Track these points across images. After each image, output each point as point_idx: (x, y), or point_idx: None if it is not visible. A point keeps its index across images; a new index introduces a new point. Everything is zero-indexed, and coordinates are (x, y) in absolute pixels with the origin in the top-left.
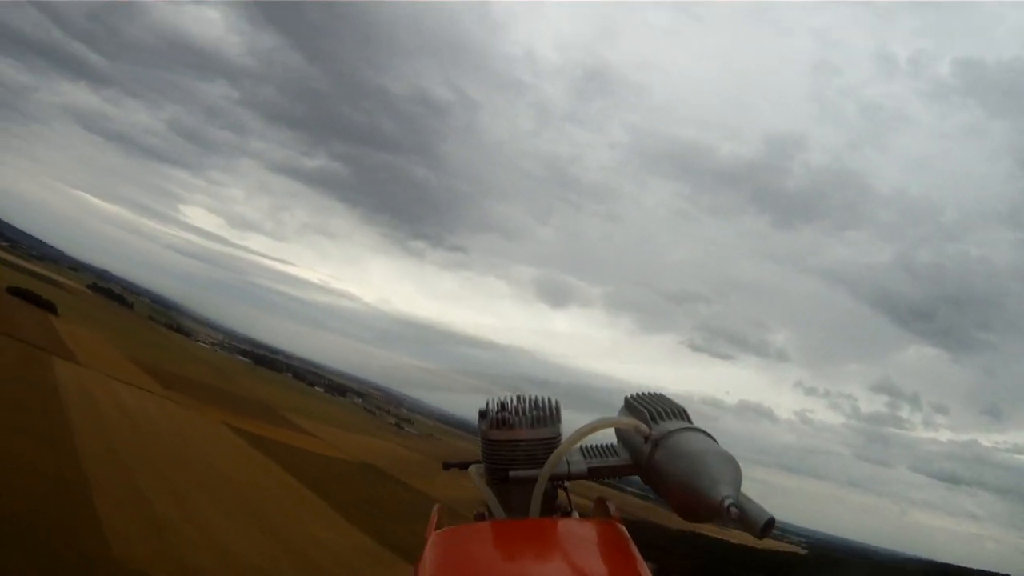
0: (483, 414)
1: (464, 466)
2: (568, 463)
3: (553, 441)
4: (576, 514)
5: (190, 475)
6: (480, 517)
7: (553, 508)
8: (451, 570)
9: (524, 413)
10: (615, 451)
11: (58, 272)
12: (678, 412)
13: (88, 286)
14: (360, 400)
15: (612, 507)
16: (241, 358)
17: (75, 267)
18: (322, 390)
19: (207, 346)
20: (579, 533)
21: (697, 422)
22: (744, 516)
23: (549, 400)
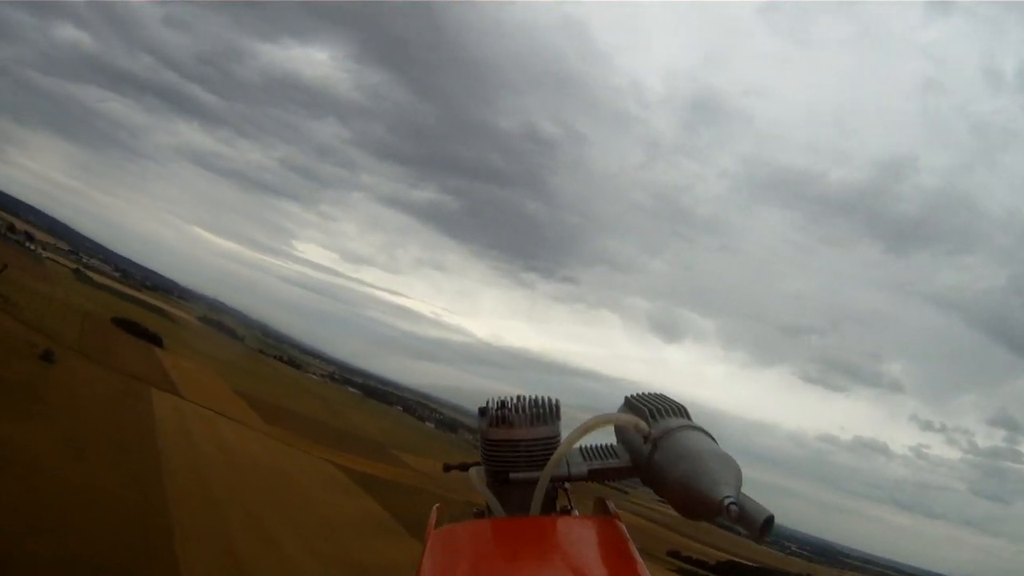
0: (483, 412)
1: (464, 468)
2: (568, 465)
3: (552, 440)
4: (576, 512)
5: (285, 518)
6: (479, 516)
7: (553, 510)
8: (450, 568)
9: (524, 411)
10: (615, 452)
11: (168, 302)
12: (678, 410)
13: (199, 318)
14: (471, 436)
15: (611, 506)
16: (351, 390)
17: (186, 297)
18: (432, 426)
19: (317, 378)
20: (578, 531)
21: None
22: (744, 515)
23: (549, 399)
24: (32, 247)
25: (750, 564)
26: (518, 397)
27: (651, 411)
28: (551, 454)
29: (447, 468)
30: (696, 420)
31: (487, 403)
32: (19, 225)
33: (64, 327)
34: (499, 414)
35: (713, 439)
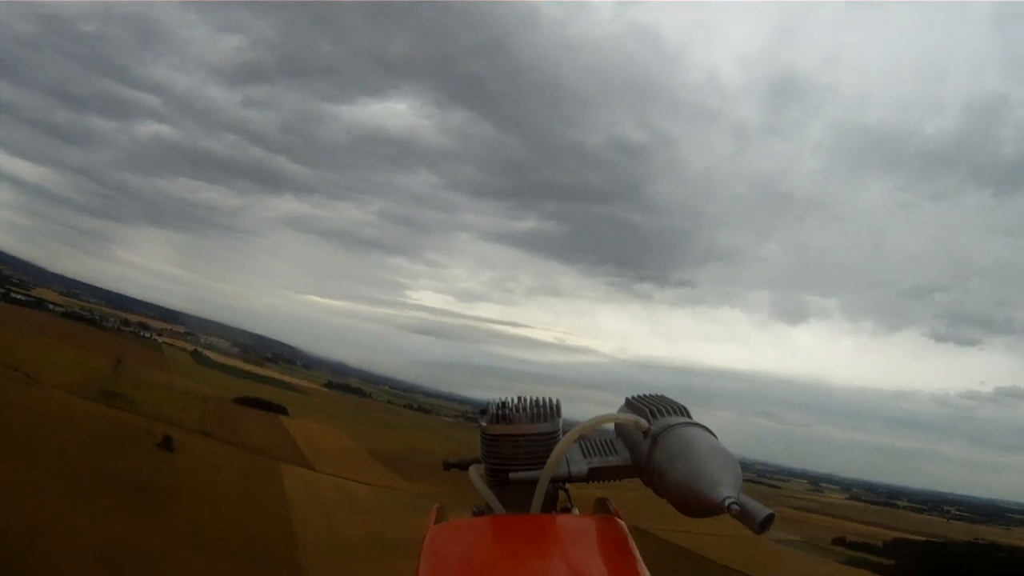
0: (483, 411)
1: (464, 466)
2: (568, 463)
3: (552, 436)
4: (576, 511)
5: None
6: (479, 514)
7: (554, 509)
8: (448, 566)
9: (524, 410)
10: (615, 449)
11: (292, 373)
12: (678, 409)
13: (324, 384)
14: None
15: (612, 505)
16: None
17: (310, 365)
18: None
19: (450, 419)
20: (578, 529)
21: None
22: (744, 513)
23: (549, 399)
24: (147, 335)
25: (917, 538)
26: (519, 398)
27: (651, 411)
28: (551, 450)
29: (447, 466)
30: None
31: (488, 404)
32: (132, 318)
33: (185, 413)
34: (500, 413)
35: (714, 435)
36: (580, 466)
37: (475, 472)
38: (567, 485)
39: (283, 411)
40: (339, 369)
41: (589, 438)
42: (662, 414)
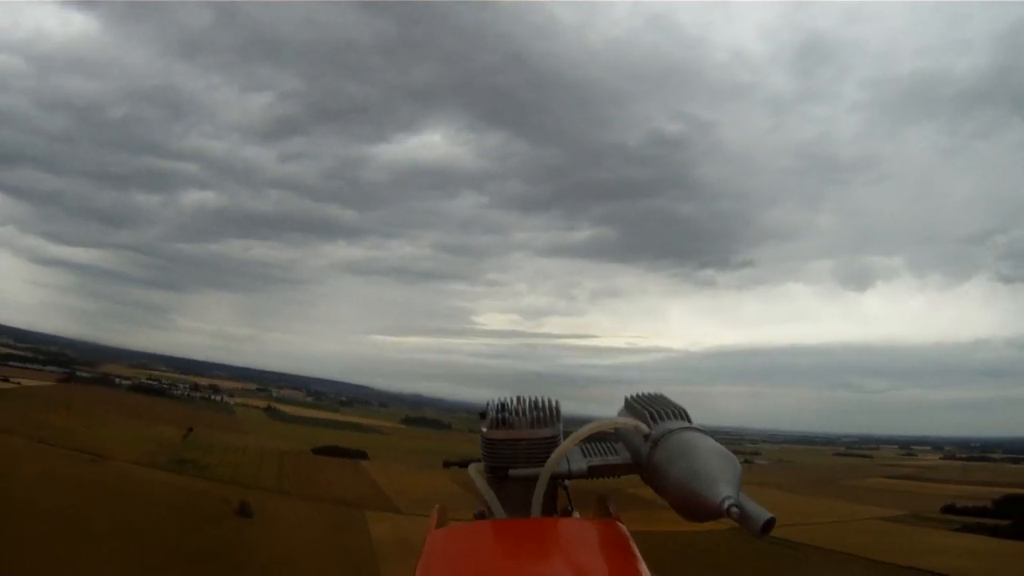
0: (483, 415)
1: (464, 464)
2: (568, 462)
3: (553, 440)
4: (576, 513)
5: None
6: (480, 516)
7: (554, 508)
8: (449, 569)
9: (524, 413)
10: (615, 450)
11: (368, 414)
12: (678, 412)
13: (402, 420)
14: None
15: (612, 506)
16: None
17: (385, 403)
18: None
19: None
20: (579, 532)
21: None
22: (744, 516)
23: (549, 401)
24: (218, 398)
25: None
26: (518, 399)
27: (651, 414)
28: (550, 453)
29: (447, 464)
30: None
31: (487, 405)
32: (202, 382)
33: (261, 472)
34: (499, 417)
35: (713, 440)
36: (580, 464)
37: (475, 470)
38: (567, 483)
39: (363, 455)
40: (415, 402)
41: (589, 441)
42: (662, 418)
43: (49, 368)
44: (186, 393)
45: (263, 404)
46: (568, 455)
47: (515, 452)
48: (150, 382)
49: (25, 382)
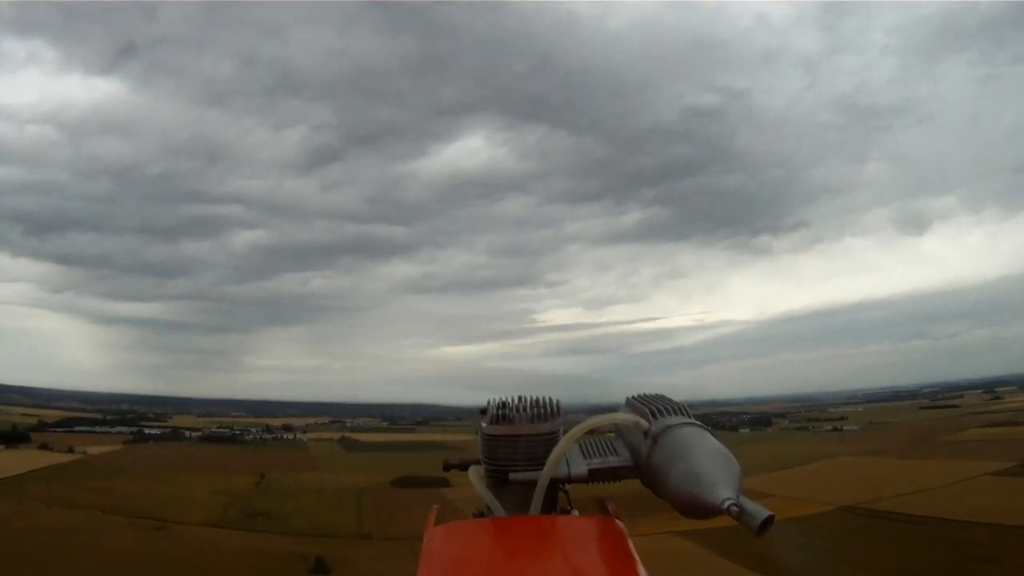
0: (483, 412)
1: (464, 466)
2: (568, 464)
3: (552, 437)
4: (576, 512)
5: None
6: (479, 516)
7: (553, 510)
8: (448, 566)
9: (524, 411)
10: (615, 450)
11: (444, 431)
12: (678, 409)
13: (478, 431)
14: (786, 421)
15: (611, 506)
16: None
17: (460, 416)
18: (747, 430)
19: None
20: (577, 531)
21: None
22: (743, 514)
23: (550, 399)
24: (291, 436)
25: None
26: (519, 398)
27: (652, 411)
28: (551, 451)
29: (447, 467)
30: None
31: (487, 403)
32: (274, 423)
33: (338, 516)
34: (499, 413)
35: (714, 436)
36: (580, 467)
37: (475, 473)
38: (567, 486)
39: (444, 483)
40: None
41: (589, 438)
42: (662, 414)
43: (118, 429)
44: (259, 437)
45: (336, 436)
46: (568, 458)
47: (515, 449)
48: (220, 430)
49: (92, 449)
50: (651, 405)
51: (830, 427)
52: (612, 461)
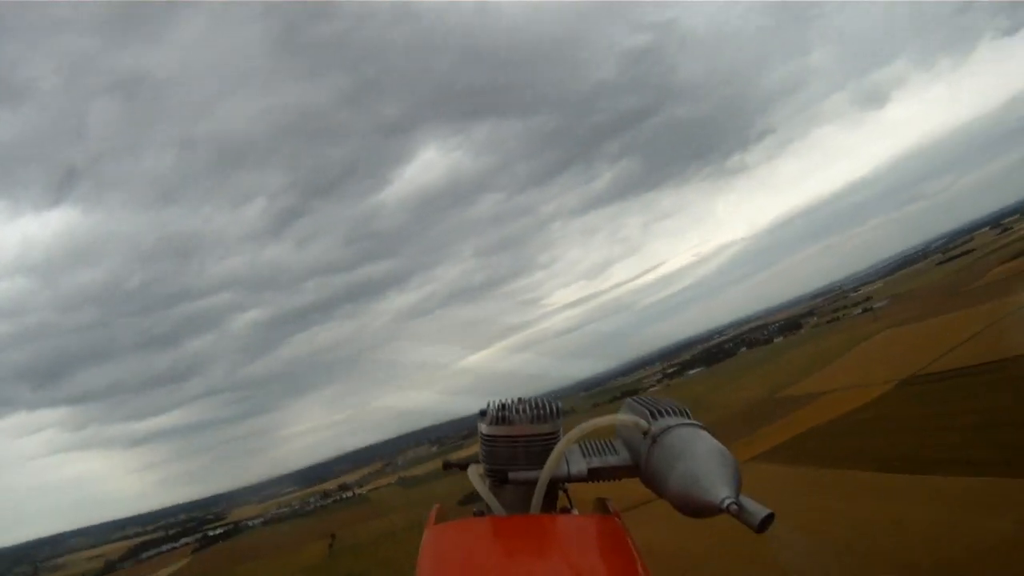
0: (483, 413)
1: (464, 466)
2: (568, 464)
3: (552, 438)
4: (576, 511)
5: None
6: (479, 515)
7: (553, 509)
8: (448, 566)
9: (524, 411)
10: (615, 449)
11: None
12: (678, 410)
13: None
14: (815, 319)
15: (611, 505)
16: (692, 372)
17: None
18: (780, 339)
19: (654, 384)
20: (578, 529)
21: None
22: (743, 513)
23: (550, 400)
24: (349, 494)
25: None
26: (519, 399)
27: (652, 411)
28: (550, 452)
29: (447, 466)
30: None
31: (487, 404)
32: (329, 486)
33: (415, 556)
34: (499, 415)
35: (713, 436)
36: (580, 466)
37: (474, 472)
38: (567, 485)
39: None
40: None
41: (589, 439)
42: (662, 414)
43: (183, 541)
44: (318, 504)
45: (393, 478)
46: (568, 457)
47: (514, 450)
48: (280, 511)
49: (162, 572)
50: (651, 406)
51: (859, 311)
52: (612, 461)
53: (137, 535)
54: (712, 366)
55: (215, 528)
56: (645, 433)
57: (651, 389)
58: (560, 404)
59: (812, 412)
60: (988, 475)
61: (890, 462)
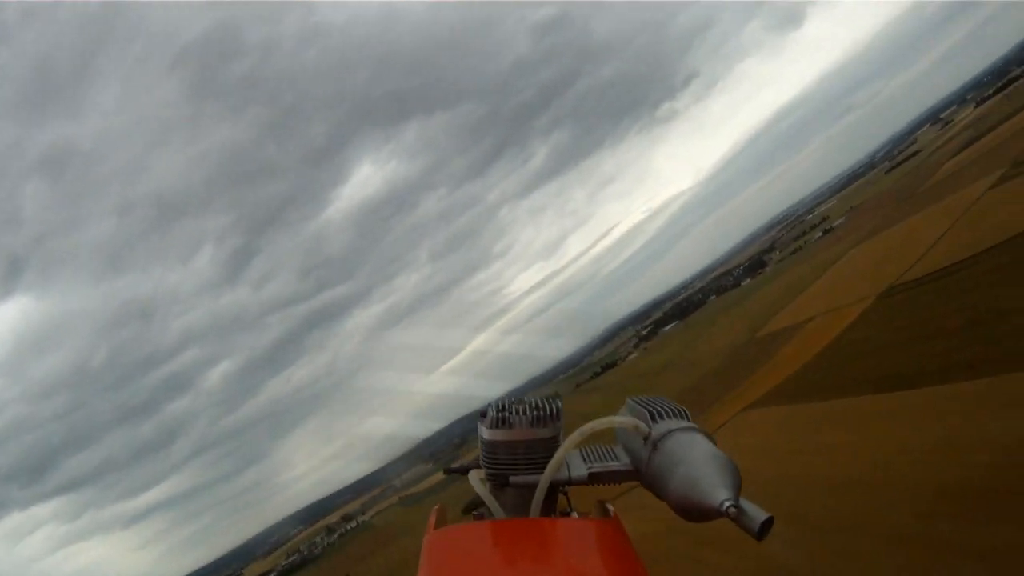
0: (483, 415)
1: (465, 471)
2: (568, 468)
3: (552, 441)
4: (575, 515)
5: None
6: (479, 519)
7: (553, 512)
8: (449, 569)
9: (524, 414)
10: (615, 454)
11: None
12: (679, 412)
13: None
14: (777, 252)
15: (612, 508)
16: (670, 327)
17: (483, 413)
18: (748, 280)
19: (633, 350)
20: (579, 533)
21: None
22: (742, 517)
23: (550, 402)
24: (353, 524)
25: None
26: (518, 399)
27: (652, 413)
28: (551, 456)
29: (447, 471)
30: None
31: (487, 406)
32: (332, 519)
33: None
34: (499, 417)
35: (713, 441)
36: (580, 470)
37: (475, 476)
38: (567, 489)
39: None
40: (514, 396)
41: (589, 442)
42: (662, 417)
43: None
44: (325, 542)
45: (394, 499)
46: (568, 461)
47: (515, 454)
48: (291, 560)
49: None
50: (651, 407)
51: (819, 233)
52: (612, 465)
53: None
54: (686, 319)
55: None
56: (645, 437)
57: (629, 357)
58: (560, 404)
59: (798, 345)
60: (988, 375)
61: (887, 380)
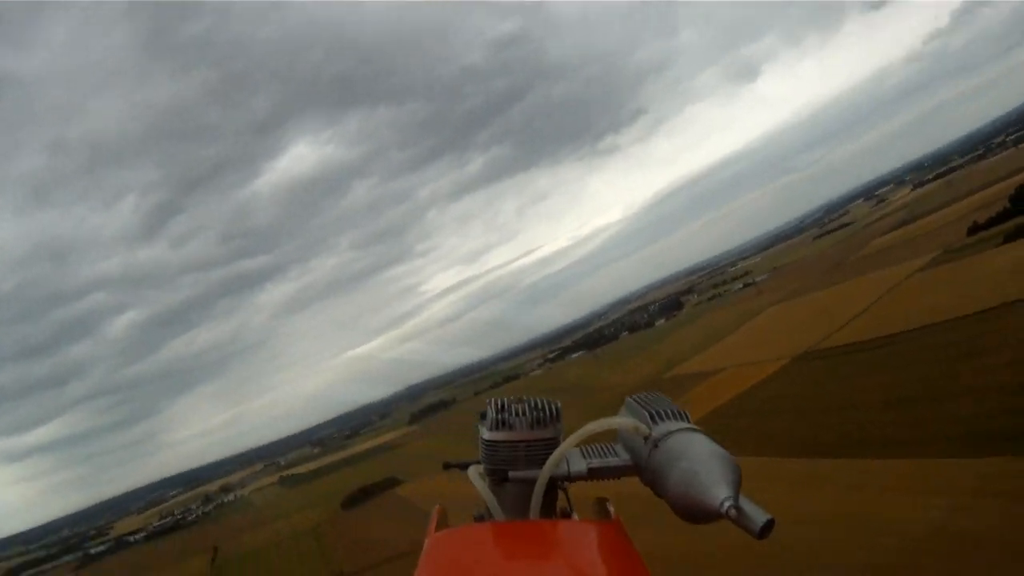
0: (483, 416)
1: (464, 466)
2: (568, 463)
3: (552, 442)
4: (576, 515)
5: None
6: (480, 519)
7: (553, 509)
8: (450, 572)
9: (524, 414)
10: (615, 452)
11: (378, 431)
12: (678, 413)
13: (409, 419)
14: (695, 296)
15: (611, 507)
16: (575, 355)
17: (386, 412)
18: (662, 321)
19: (537, 368)
20: (579, 534)
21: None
22: (743, 517)
23: (550, 403)
24: (231, 497)
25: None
26: (518, 400)
27: (652, 414)
28: (550, 455)
29: (447, 466)
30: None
31: (487, 405)
32: (212, 488)
33: (304, 564)
34: (499, 418)
35: (714, 441)
36: (579, 466)
37: (475, 472)
38: (567, 485)
39: (393, 483)
40: (414, 395)
41: (589, 441)
42: (662, 418)
43: (64, 559)
44: (200, 512)
45: (274, 478)
46: (568, 456)
47: (515, 454)
48: (163, 522)
49: None
50: (651, 408)
51: (740, 285)
52: (612, 461)
53: (19, 554)
54: (594, 350)
55: (97, 545)
56: (646, 438)
57: (532, 373)
58: (559, 405)
59: (709, 390)
60: (906, 457)
61: (797, 444)
